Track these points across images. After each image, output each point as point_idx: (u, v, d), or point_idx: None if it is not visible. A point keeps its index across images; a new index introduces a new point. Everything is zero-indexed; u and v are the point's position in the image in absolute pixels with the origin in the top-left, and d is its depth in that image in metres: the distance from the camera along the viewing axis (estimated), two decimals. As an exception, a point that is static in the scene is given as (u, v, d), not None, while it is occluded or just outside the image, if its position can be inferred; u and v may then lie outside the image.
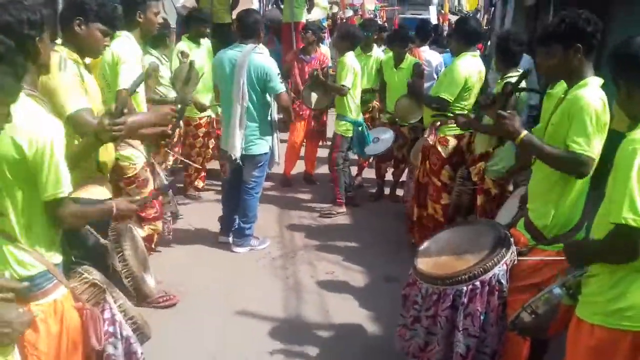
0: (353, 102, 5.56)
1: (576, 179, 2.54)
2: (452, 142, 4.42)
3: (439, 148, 4.44)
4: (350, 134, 5.60)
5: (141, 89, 3.83)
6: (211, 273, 4.37)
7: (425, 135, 4.57)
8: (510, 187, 3.96)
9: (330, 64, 6.79)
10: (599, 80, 2.51)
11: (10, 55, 1.45)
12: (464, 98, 4.35)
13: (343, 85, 5.43)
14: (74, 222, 2.10)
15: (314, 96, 5.89)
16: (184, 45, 5.68)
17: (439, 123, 4.46)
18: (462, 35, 4.41)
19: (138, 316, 2.28)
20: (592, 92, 2.46)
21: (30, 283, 1.94)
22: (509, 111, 2.64)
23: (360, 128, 5.63)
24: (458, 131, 4.35)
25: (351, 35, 5.56)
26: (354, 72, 5.45)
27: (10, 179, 1.88)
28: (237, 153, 4.52)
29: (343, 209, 5.76)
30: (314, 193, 6.49)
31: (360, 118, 5.69)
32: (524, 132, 2.55)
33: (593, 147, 2.43)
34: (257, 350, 3.36)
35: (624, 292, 1.95)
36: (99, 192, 2.82)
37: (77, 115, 2.64)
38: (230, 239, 4.84)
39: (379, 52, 6.63)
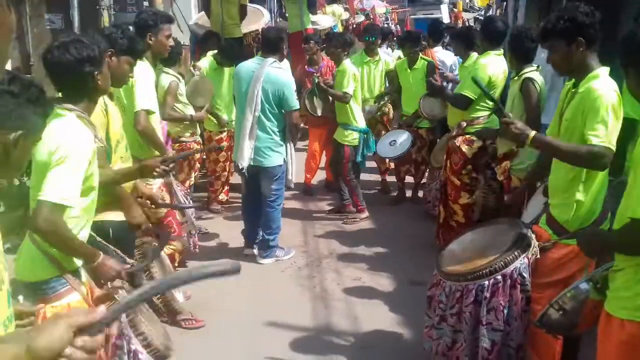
0: (357, 109, 5.53)
1: (597, 171, 2.52)
2: (477, 143, 4.40)
3: (464, 148, 4.42)
4: (356, 143, 5.55)
5: (156, 110, 3.90)
6: (238, 285, 4.39)
7: (451, 136, 4.55)
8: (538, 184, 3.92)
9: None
10: (607, 70, 2.50)
11: (43, 98, 1.53)
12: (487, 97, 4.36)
13: (345, 93, 5.40)
14: (47, 231, 2.02)
15: (318, 103, 5.88)
16: (207, 62, 5.78)
17: (465, 123, 4.45)
18: (488, 35, 4.43)
19: (152, 333, 2.31)
20: (604, 83, 2.45)
21: (46, 285, 2.10)
22: (509, 119, 2.63)
23: (365, 136, 5.59)
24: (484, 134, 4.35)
25: (341, 42, 5.57)
26: (355, 78, 5.44)
27: (39, 184, 2.04)
28: (244, 163, 4.56)
29: (366, 214, 5.75)
30: (335, 200, 6.49)
31: (364, 125, 5.65)
32: (532, 134, 2.54)
33: (610, 137, 2.41)
34: (286, 360, 3.38)
35: (651, 286, 1.92)
36: (118, 215, 2.89)
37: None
38: (256, 251, 4.88)
39: (385, 56, 6.64)
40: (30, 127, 1.46)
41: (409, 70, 5.86)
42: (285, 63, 4.77)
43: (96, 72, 2.23)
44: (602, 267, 2.15)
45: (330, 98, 5.76)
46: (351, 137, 5.55)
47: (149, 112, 3.72)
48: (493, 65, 4.34)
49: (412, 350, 3.28)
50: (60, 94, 2.31)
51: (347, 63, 5.52)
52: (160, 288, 1.04)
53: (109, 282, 2.36)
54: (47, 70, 2.23)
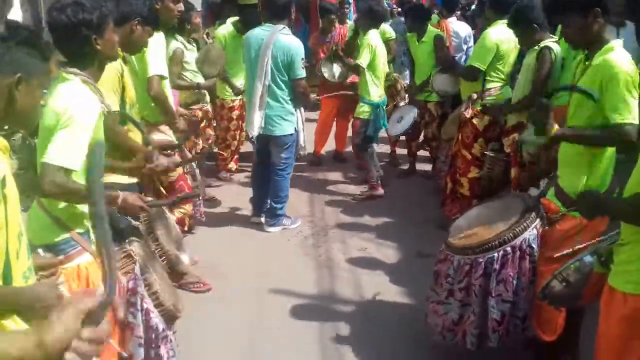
0: (372, 83, 5.37)
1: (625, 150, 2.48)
2: (488, 116, 4.34)
3: (475, 121, 4.37)
4: (367, 116, 5.42)
5: (167, 75, 3.89)
6: (244, 253, 4.44)
7: (462, 109, 4.49)
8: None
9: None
10: (621, 41, 2.45)
11: (34, 39, 1.51)
12: (497, 67, 4.29)
13: (358, 64, 5.27)
14: (54, 192, 2.04)
15: (336, 69, 5.79)
16: (227, 30, 5.73)
17: (475, 95, 4.39)
18: (493, 4, 4.34)
19: (164, 293, 2.34)
20: (620, 55, 2.40)
21: (56, 248, 2.12)
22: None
23: (377, 110, 5.43)
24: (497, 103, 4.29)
25: (371, 12, 5.36)
26: (373, 51, 5.28)
27: (45, 147, 2.04)
28: (254, 131, 4.54)
29: (380, 191, 5.60)
30: (344, 171, 6.50)
31: (381, 99, 5.50)
32: (549, 136, 2.52)
33: (634, 113, 2.38)
34: (291, 328, 3.41)
35: (656, 260, 1.90)
36: (123, 177, 2.89)
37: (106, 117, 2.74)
38: (263, 219, 4.90)
39: (386, 27, 6.51)
40: (27, 69, 1.45)
41: (417, 43, 5.71)
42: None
43: (94, 37, 2.19)
44: (607, 240, 2.13)
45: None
46: (361, 110, 5.45)
47: (162, 78, 3.71)
48: (499, 33, 4.24)
49: (416, 321, 3.29)
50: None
51: (371, 34, 5.34)
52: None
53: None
54: (51, 33, 2.21)
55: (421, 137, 6.05)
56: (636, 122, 2.38)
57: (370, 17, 5.33)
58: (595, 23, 2.45)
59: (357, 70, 5.34)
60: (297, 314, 3.58)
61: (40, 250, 2.04)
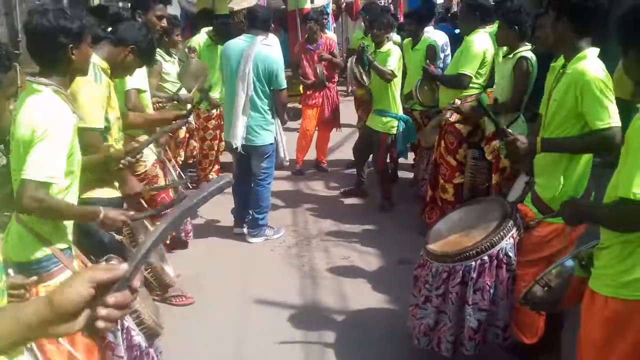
0: (397, 94, 5.26)
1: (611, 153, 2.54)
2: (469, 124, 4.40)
3: (459, 126, 4.42)
4: (395, 131, 5.25)
5: (147, 88, 3.88)
6: (227, 264, 4.42)
7: (446, 115, 4.53)
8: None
9: (337, 49, 6.78)
10: (596, 51, 2.51)
11: None
12: (478, 74, 4.37)
13: (393, 71, 5.07)
14: (35, 209, 1.99)
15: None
16: (202, 39, 5.73)
17: (459, 101, 4.44)
18: (471, 12, 4.41)
19: (145, 311, 2.31)
20: (592, 63, 2.46)
21: (37, 265, 2.08)
22: (510, 137, 2.65)
23: (406, 123, 5.30)
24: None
25: (384, 24, 5.20)
26: (401, 60, 5.20)
27: (22, 163, 1.99)
28: (238, 142, 4.54)
29: (392, 205, 5.56)
30: (325, 180, 6.52)
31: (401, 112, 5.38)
32: (538, 145, 2.57)
33: (613, 116, 2.42)
34: (276, 339, 3.39)
35: (636, 264, 1.93)
36: (105, 192, 2.87)
37: (91, 133, 2.72)
38: (245, 230, 4.88)
39: (395, 36, 6.55)
40: None
41: (411, 51, 5.70)
42: (275, 39, 4.72)
43: (71, 46, 2.15)
44: (587, 244, 2.17)
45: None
46: (390, 125, 5.24)
47: (139, 91, 3.71)
48: (483, 40, 4.36)
49: (400, 328, 3.31)
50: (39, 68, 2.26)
51: (392, 45, 5.30)
52: (176, 221, 1.00)
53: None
54: (26, 37, 2.18)
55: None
56: (618, 124, 2.42)
57: (386, 29, 5.26)
58: (565, 29, 2.51)
59: (388, 75, 5.08)
60: (281, 324, 3.57)
61: (10, 271, 1.98)
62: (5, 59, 1.58)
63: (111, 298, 0.93)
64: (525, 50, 3.82)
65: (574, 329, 2.30)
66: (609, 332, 2.01)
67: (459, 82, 4.45)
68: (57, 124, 2.03)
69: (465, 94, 4.45)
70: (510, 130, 2.76)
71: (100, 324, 0.93)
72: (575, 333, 2.22)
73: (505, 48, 4.07)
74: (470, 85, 4.42)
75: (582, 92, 2.44)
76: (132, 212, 2.56)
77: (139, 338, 2.25)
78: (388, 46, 5.27)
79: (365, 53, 5.11)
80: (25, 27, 2.17)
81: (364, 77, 5.24)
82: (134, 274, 0.95)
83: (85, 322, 0.94)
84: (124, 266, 0.95)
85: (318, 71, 6.32)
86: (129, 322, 2.26)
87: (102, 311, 0.93)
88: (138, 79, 3.64)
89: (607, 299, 2.00)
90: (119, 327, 2.21)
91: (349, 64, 5.21)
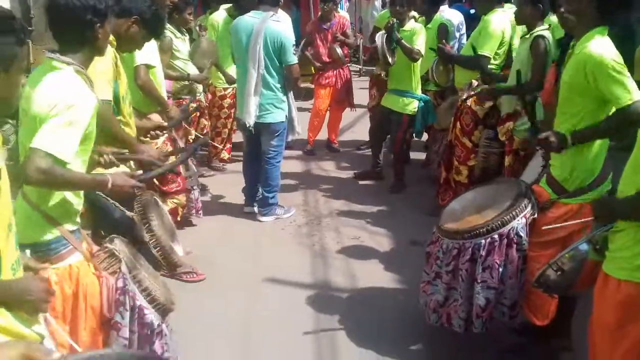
0: (418, 74, 5.21)
1: None
2: (489, 102, 4.33)
3: (475, 108, 4.36)
4: (415, 112, 5.20)
5: (158, 65, 3.86)
6: (238, 243, 4.43)
7: (463, 97, 4.46)
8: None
9: (350, 29, 6.70)
10: (605, 29, 2.45)
11: (9, 25, 1.48)
12: (497, 55, 4.30)
13: (419, 51, 4.98)
14: (41, 179, 1.91)
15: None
16: (221, 17, 5.69)
17: (476, 83, 4.37)
18: None
19: (155, 288, 2.30)
20: (600, 43, 2.41)
21: (47, 247, 2.05)
22: (543, 134, 2.61)
23: (426, 104, 5.25)
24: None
25: (406, 1, 5.13)
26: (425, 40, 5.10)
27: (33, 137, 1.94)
28: (251, 120, 4.52)
29: (404, 184, 5.56)
30: (337, 160, 6.49)
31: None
32: (569, 140, 2.52)
33: (634, 90, 2.37)
34: (285, 316, 3.41)
35: (651, 246, 1.91)
36: (113, 170, 2.86)
37: (100, 105, 2.68)
38: (256, 209, 4.89)
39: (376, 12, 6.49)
40: (5, 59, 1.42)
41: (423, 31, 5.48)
42: (286, 16, 4.66)
43: (98, 25, 2.12)
44: (602, 228, 2.14)
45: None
46: (412, 106, 5.20)
47: (148, 67, 3.69)
48: (501, 20, 4.28)
49: (410, 307, 3.31)
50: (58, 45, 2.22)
51: (415, 23, 5.20)
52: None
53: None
54: (49, 14, 2.12)
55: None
56: (639, 97, 2.36)
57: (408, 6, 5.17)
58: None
59: (415, 54, 4.99)
60: (291, 302, 3.58)
61: (27, 251, 1.97)
62: (21, 32, 1.56)
63: None
64: (542, 30, 3.74)
65: (585, 314, 2.29)
66: (622, 316, 1.99)
67: (477, 63, 4.36)
68: (78, 104, 1.98)
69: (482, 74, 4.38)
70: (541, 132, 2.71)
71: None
72: (587, 318, 2.21)
73: (521, 28, 3.99)
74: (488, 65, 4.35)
75: (594, 75, 2.39)
76: (139, 172, 2.52)
77: (151, 316, 2.25)
78: (411, 24, 5.19)
79: (394, 31, 4.99)
80: (50, 4, 2.11)
81: (389, 56, 5.09)
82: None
83: None
84: (57, 356, 1.05)
85: (339, 52, 6.22)
86: (140, 300, 2.25)
87: None
88: (147, 54, 3.61)
89: (621, 282, 1.98)
90: (127, 307, 2.21)
91: (378, 42, 5.05)
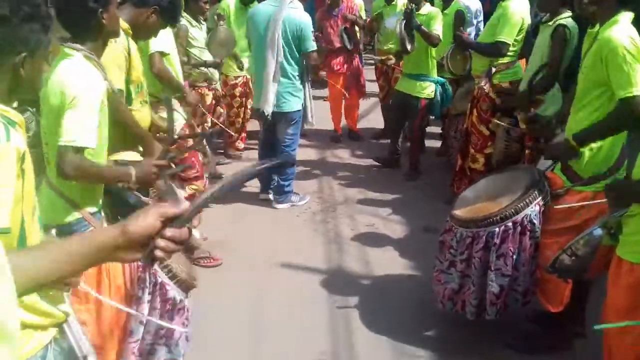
0: (433, 58, 5.19)
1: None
2: (506, 89, 4.30)
3: (493, 95, 4.33)
4: (433, 95, 5.21)
5: (174, 52, 3.89)
6: (253, 229, 4.48)
7: (481, 83, 4.44)
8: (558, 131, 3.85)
9: (360, 13, 6.65)
10: (629, 15, 2.41)
11: (36, 13, 1.51)
12: (516, 41, 4.28)
13: (438, 35, 4.94)
14: (76, 176, 2.05)
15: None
16: (231, 2, 5.72)
17: (494, 70, 4.34)
18: None
19: (176, 265, 2.36)
20: (621, 30, 2.38)
21: (68, 229, 2.13)
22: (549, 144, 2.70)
23: (443, 87, 5.25)
24: (513, 77, 4.24)
25: None
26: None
27: (55, 128, 2.03)
28: (269, 108, 4.54)
29: (419, 172, 5.58)
30: (352, 148, 6.51)
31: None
32: (572, 143, 2.55)
33: (638, 83, 2.34)
34: (300, 301, 3.45)
35: (664, 230, 1.91)
36: (132, 155, 2.90)
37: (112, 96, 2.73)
38: (271, 196, 4.93)
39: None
40: (31, 46, 1.45)
41: (441, 15, 5.41)
42: (299, 3, 4.65)
43: (101, 10, 2.16)
44: (616, 212, 2.13)
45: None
46: (429, 90, 5.19)
47: (162, 54, 3.71)
48: (520, 5, 4.24)
49: (424, 294, 3.33)
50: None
51: (431, 7, 5.20)
52: (231, 184, 1.10)
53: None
54: (55, 3, 2.18)
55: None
56: None
57: None
58: None
59: (436, 39, 4.95)
60: (306, 288, 3.62)
61: (53, 231, 2.05)
62: (46, 18, 1.60)
63: (169, 232, 1.03)
64: (565, 18, 3.67)
65: (599, 301, 2.29)
66: (634, 299, 2.00)
67: (497, 50, 4.29)
68: (86, 88, 2.05)
69: (500, 61, 4.34)
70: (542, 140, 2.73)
71: (158, 253, 1.03)
72: (600, 305, 2.21)
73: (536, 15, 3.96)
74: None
75: (607, 60, 2.37)
76: (161, 162, 2.57)
77: (173, 292, 2.31)
78: (427, 8, 5.17)
79: (413, 17, 4.92)
80: None
81: (407, 43, 5.01)
82: (193, 214, 1.05)
83: (147, 252, 1.05)
84: (187, 204, 1.05)
85: (345, 39, 6.18)
86: (162, 277, 2.32)
87: (161, 242, 1.03)
88: (162, 41, 3.64)
89: (634, 266, 1.99)
90: (147, 284, 2.27)
91: (397, 29, 5.02)
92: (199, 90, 5.27)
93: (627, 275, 2.00)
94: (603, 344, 2.30)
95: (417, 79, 5.22)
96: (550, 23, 3.73)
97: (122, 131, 2.90)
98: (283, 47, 4.44)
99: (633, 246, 1.99)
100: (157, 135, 3.21)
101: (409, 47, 5.00)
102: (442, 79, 5.30)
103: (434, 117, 5.55)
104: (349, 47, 6.11)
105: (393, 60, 5.65)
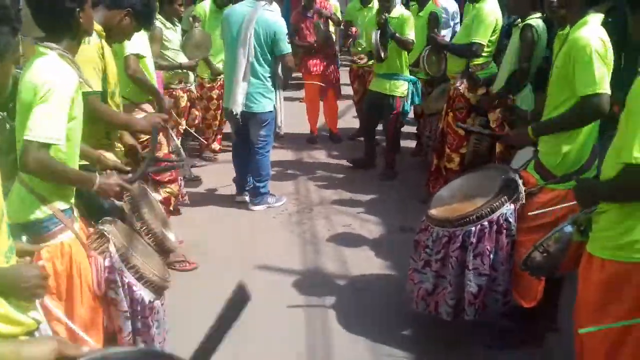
0: (406, 57, 5.29)
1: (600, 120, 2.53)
2: (481, 89, 4.35)
3: (468, 95, 4.38)
4: (406, 94, 5.31)
5: (148, 54, 3.86)
6: (229, 231, 4.45)
7: (457, 84, 4.49)
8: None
9: (333, 12, 6.68)
10: (600, 17, 2.47)
11: (4, 15, 1.49)
12: (491, 42, 4.34)
13: (412, 40, 5.10)
14: (38, 170, 2.03)
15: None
16: (207, 5, 5.69)
17: (472, 70, 4.39)
18: None
19: (145, 266, 2.35)
20: (590, 30, 2.43)
21: (38, 225, 2.11)
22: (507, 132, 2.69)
23: (414, 85, 5.36)
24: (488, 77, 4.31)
25: None
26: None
27: (25, 122, 2.00)
28: (238, 109, 4.52)
29: (395, 172, 5.64)
30: (327, 149, 6.53)
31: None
32: (530, 131, 2.64)
33: (603, 83, 2.39)
34: (278, 303, 3.43)
35: (633, 226, 1.95)
36: (110, 156, 2.87)
37: (87, 96, 2.69)
38: (247, 198, 4.91)
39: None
40: (0, 49, 1.43)
41: (415, 17, 5.53)
42: (276, 6, 4.65)
43: (78, 9, 2.16)
44: (585, 210, 2.18)
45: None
46: (403, 88, 5.29)
47: (139, 57, 3.67)
48: (493, 7, 4.33)
49: (401, 293, 3.34)
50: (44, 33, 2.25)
51: (402, 9, 5.29)
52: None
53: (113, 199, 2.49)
54: (29, 4, 2.17)
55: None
56: (604, 91, 2.38)
57: None
58: None
59: (409, 44, 5.11)
60: (283, 289, 3.61)
61: (24, 238, 2.03)
62: (16, 21, 1.58)
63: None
64: (534, 18, 3.74)
65: (571, 297, 2.33)
66: (605, 295, 2.03)
67: (471, 51, 4.37)
68: (57, 84, 2.03)
69: (475, 62, 4.40)
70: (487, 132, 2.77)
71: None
72: (573, 300, 2.25)
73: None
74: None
75: (574, 58, 2.43)
76: (128, 176, 2.56)
77: (141, 292, 2.30)
78: (399, 10, 5.23)
79: (387, 25, 5.03)
80: None
81: (382, 51, 5.09)
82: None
83: None
84: (86, 349, 1.17)
85: (321, 27, 6.20)
86: (128, 277, 2.31)
87: None
88: (137, 44, 3.60)
89: (604, 262, 2.02)
90: (119, 284, 2.27)
91: (373, 39, 5.10)
92: (174, 92, 5.24)
93: (597, 272, 2.04)
94: (574, 339, 2.35)
95: (390, 78, 5.29)
96: (520, 25, 3.81)
97: (102, 129, 2.88)
98: (255, 47, 4.43)
99: (603, 242, 2.03)
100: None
101: (383, 55, 5.08)
102: (414, 77, 5.39)
103: (404, 116, 5.59)
104: (324, 33, 6.14)
105: (365, 60, 5.69)
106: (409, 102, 5.35)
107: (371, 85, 5.56)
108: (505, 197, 2.73)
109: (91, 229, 2.40)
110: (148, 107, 3.90)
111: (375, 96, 5.41)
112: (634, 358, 2.01)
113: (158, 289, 2.41)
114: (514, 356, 2.91)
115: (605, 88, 2.40)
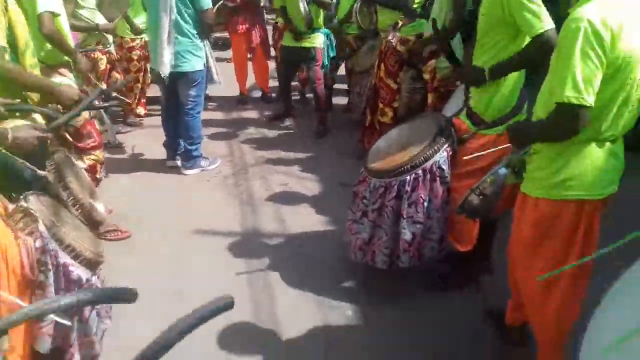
0: (321, 11, 5.32)
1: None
2: (412, 42, 4.33)
3: (400, 48, 4.36)
4: (323, 46, 5.39)
5: (63, 12, 3.58)
6: (162, 197, 4.31)
7: (389, 37, 4.44)
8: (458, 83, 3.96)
9: None
10: None
11: None
12: None
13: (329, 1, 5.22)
14: None
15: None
16: None
17: (400, 24, 4.35)
18: None
19: (80, 243, 2.20)
20: None
21: None
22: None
23: (328, 37, 5.44)
24: (418, 31, 4.28)
25: None
26: None
27: None
28: (166, 70, 4.32)
29: (328, 129, 5.66)
30: (259, 109, 6.42)
31: None
32: (487, 75, 2.60)
33: (545, 19, 2.40)
34: (217, 267, 3.38)
35: (564, 164, 2.02)
36: (19, 122, 2.66)
37: None
38: (179, 162, 4.75)
39: None
40: None
41: None
42: None
43: None
44: (519, 151, 2.23)
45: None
46: (320, 40, 5.34)
47: (54, 15, 3.40)
48: None
49: (342, 247, 3.36)
50: None
51: None
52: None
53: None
54: None
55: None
56: (550, 26, 2.40)
57: None
58: None
59: (325, 7, 5.26)
60: (221, 252, 3.55)
61: None
62: None
63: None
64: None
65: (504, 237, 2.41)
66: (538, 233, 2.12)
67: (401, 2, 4.33)
68: None
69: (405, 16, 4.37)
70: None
71: None
72: (505, 244, 2.33)
73: None
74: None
75: (509, 4, 2.43)
76: (44, 134, 2.38)
77: (78, 271, 2.15)
78: None
79: None
80: None
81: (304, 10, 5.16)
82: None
83: None
84: None
85: None
86: (64, 258, 2.15)
87: None
88: (51, 1, 3.34)
89: (538, 200, 2.09)
90: (49, 267, 2.10)
91: (301, 8, 5.10)
92: (92, 55, 4.93)
93: (532, 211, 2.11)
94: (508, 278, 2.45)
95: (312, 32, 5.30)
96: None
97: (9, 88, 2.65)
98: (177, 4, 4.21)
99: (537, 182, 2.09)
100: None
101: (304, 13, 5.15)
102: (326, 30, 5.45)
103: (325, 68, 5.59)
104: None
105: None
106: (326, 55, 5.40)
107: (284, 40, 5.51)
108: (438, 145, 2.77)
109: (12, 206, 2.20)
110: (65, 71, 3.65)
111: (292, 50, 5.40)
112: (566, 293, 2.12)
113: (93, 265, 2.27)
114: (455, 301, 3.00)
115: (549, 22, 2.41)
